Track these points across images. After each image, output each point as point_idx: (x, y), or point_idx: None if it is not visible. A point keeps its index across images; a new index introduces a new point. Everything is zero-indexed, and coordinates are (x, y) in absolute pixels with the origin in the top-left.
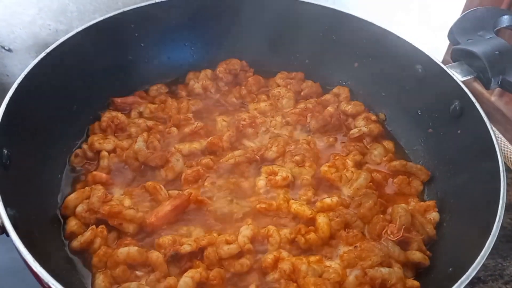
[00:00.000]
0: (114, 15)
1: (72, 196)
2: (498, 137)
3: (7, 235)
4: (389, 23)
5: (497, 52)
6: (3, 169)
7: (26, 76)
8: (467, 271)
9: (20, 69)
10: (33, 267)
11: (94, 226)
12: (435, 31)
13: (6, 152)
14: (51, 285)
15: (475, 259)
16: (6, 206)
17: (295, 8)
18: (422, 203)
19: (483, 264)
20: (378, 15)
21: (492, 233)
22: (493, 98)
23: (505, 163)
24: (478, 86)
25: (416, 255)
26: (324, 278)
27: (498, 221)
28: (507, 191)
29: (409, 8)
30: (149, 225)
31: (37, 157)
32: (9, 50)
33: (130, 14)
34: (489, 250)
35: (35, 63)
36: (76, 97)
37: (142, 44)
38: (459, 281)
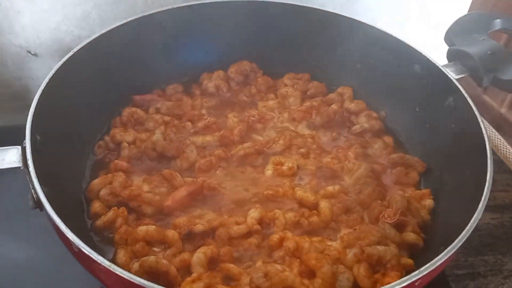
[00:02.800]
0: (134, 20)
1: (97, 181)
2: (487, 128)
3: (41, 209)
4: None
5: (489, 52)
6: (37, 153)
7: (55, 73)
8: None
9: (45, 73)
10: (65, 233)
11: (115, 208)
12: (434, 31)
13: (38, 138)
14: (81, 248)
15: (461, 234)
16: (40, 183)
17: (301, 14)
18: (418, 191)
19: (483, 260)
20: (383, 19)
21: (478, 210)
22: (502, 110)
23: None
24: (488, 98)
25: (411, 236)
26: (325, 254)
27: (484, 200)
28: (508, 191)
29: (409, 8)
30: (166, 208)
31: (65, 146)
32: (35, 54)
33: (149, 19)
34: (475, 225)
35: (63, 61)
36: (99, 94)
37: (160, 47)
38: (445, 251)
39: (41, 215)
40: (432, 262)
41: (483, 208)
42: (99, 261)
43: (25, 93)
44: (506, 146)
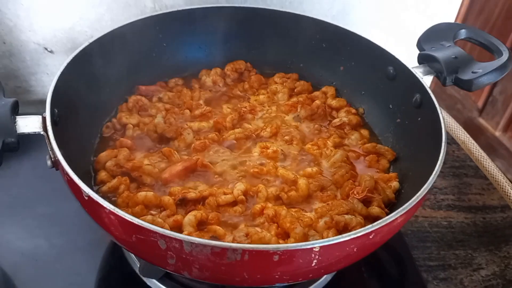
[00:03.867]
0: (142, 19)
1: (104, 154)
2: (445, 120)
3: (57, 168)
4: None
5: (453, 56)
6: (54, 124)
7: (71, 61)
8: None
9: (59, 69)
10: (77, 183)
11: (119, 176)
12: (430, 20)
13: (56, 111)
14: (90, 195)
15: (409, 201)
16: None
17: (292, 20)
18: (385, 174)
19: (454, 254)
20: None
21: (425, 185)
22: (497, 133)
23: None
24: (483, 121)
25: (375, 210)
26: (299, 219)
27: (431, 181)
28: (482, 194)
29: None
30: (164, 180)
31: (78, 123)
32: (51, 51)
33: (156, 18)
34: (422, 195)
35: (78, 52)
36: (109, 83)
37: (164, 44)
38: (395, 212)
39: (47, 205)
40: (384, 219)
41: (429, 187)
42: (105, 205)
43: (40, 88)
44: (478, 150)
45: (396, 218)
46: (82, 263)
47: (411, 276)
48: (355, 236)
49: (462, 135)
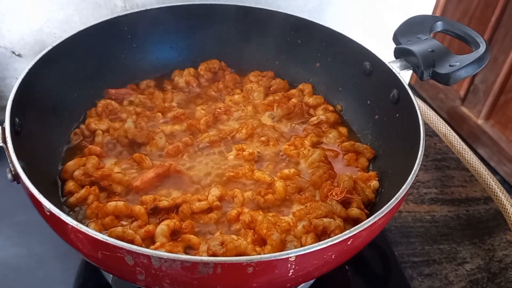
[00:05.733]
0: (108, 19)
1: (71, 163)
2: (426, 113)
3: (18, 182)
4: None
5: (430, 50)
6: (15, 134)
7: (35, 64)
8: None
9: (20, 75)
10: (38, 198)
11: (88, 186)
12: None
13: (18, 121)
14: (52, 210)
15: (387, 204)
16: (18, 158)
17: (265, 17)
18: (365, 173)
19: (439, 248)
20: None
21: (402, 188)
22: (479, 122)
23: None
24: (466, 110)
25: (355, 211)
26: (276, 225)
27: (410, 180)
28: (465, 187)
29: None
30: (135, 188)
31: (43, 131)
32: (19, 55)
33: (124, 18)
34: (401, 196)
35: (43, 54)
36: (77, 87)
37: (134, 45)
38: (372, 217)
39: (25, 213)
40: (361, 224)
41: (408, 187)
42: (67, 221)
43: (9, 93)
44: (460, 143)
45: (375, 222)
46: (63, 271)
47: (395, 273)
48: (332, 243)
49: (443, 128)
